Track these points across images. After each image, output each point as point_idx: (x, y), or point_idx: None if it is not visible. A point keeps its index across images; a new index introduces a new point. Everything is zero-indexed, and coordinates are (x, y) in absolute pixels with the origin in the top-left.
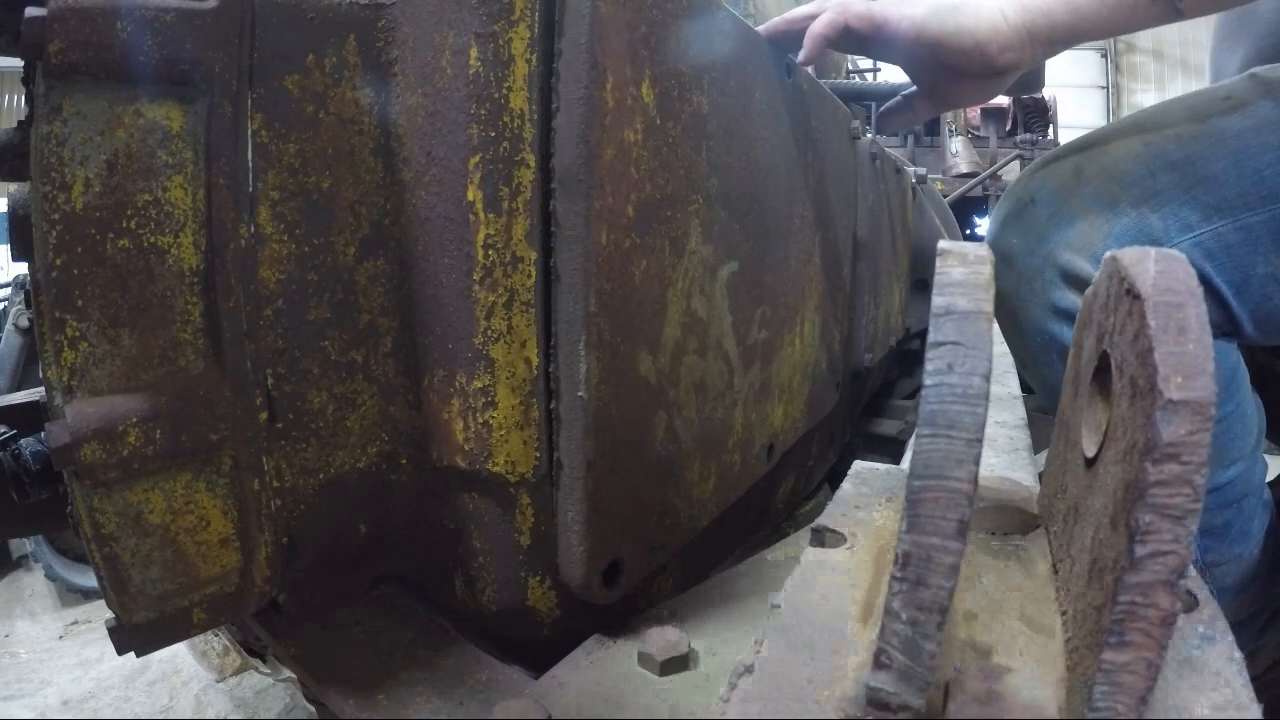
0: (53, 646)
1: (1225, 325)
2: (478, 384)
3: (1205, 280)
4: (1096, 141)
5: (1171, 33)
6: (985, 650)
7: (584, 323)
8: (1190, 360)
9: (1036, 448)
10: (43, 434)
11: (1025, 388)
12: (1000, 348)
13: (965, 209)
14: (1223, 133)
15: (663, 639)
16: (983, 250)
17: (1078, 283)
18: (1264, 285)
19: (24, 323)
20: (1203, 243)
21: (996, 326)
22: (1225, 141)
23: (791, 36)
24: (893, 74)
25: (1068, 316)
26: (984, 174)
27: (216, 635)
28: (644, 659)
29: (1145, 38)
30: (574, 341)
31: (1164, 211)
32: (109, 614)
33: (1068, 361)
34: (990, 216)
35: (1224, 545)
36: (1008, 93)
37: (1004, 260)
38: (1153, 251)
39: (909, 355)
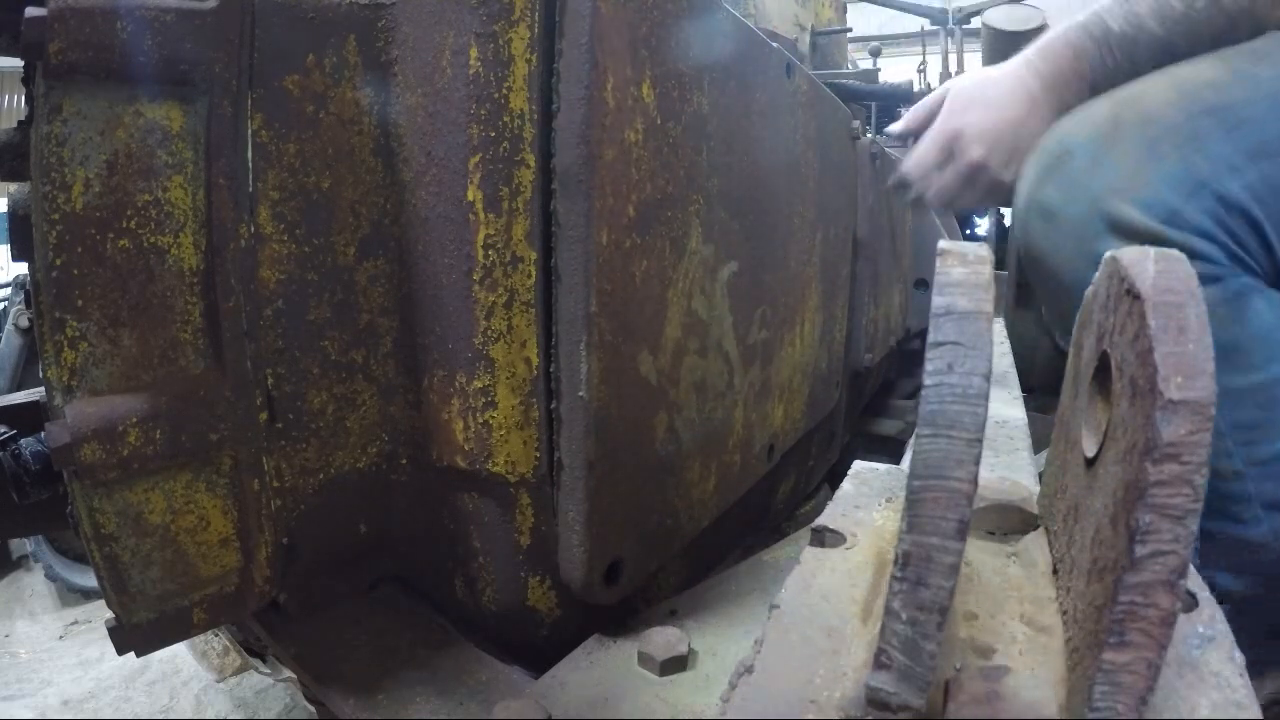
0: (53, 646)
1: (1274, 276)
2: (478, 384)
3: (1254, 224)
4: (1129, 93)
5: None
6: (985, 650)
7: (585, 323)
8: (1190, 360)
9: (1036, 448)
10: (43, 434)
11: (1025, 388)
12: (1001, 347)
13: (965, 209)
14: (1257, 78)
15: (663, 639)
16: (983, 250)
17: (1127, 232)
18: None
19: (24, 323)
20: (1251, 185)
21: (1000, 325)
22: (1260, 86)
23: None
24: (894, 74)
25: None
26: None
27: (216, 635)
28: (644, 659)
29: None
30: (575, 342)
31: (1208, 153)
32: (109, 614)
33: (1068, 361)
34: (1020, 175)
35: None
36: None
37: (1043, 216)
38: (1152, 251)
39: (909, 355)
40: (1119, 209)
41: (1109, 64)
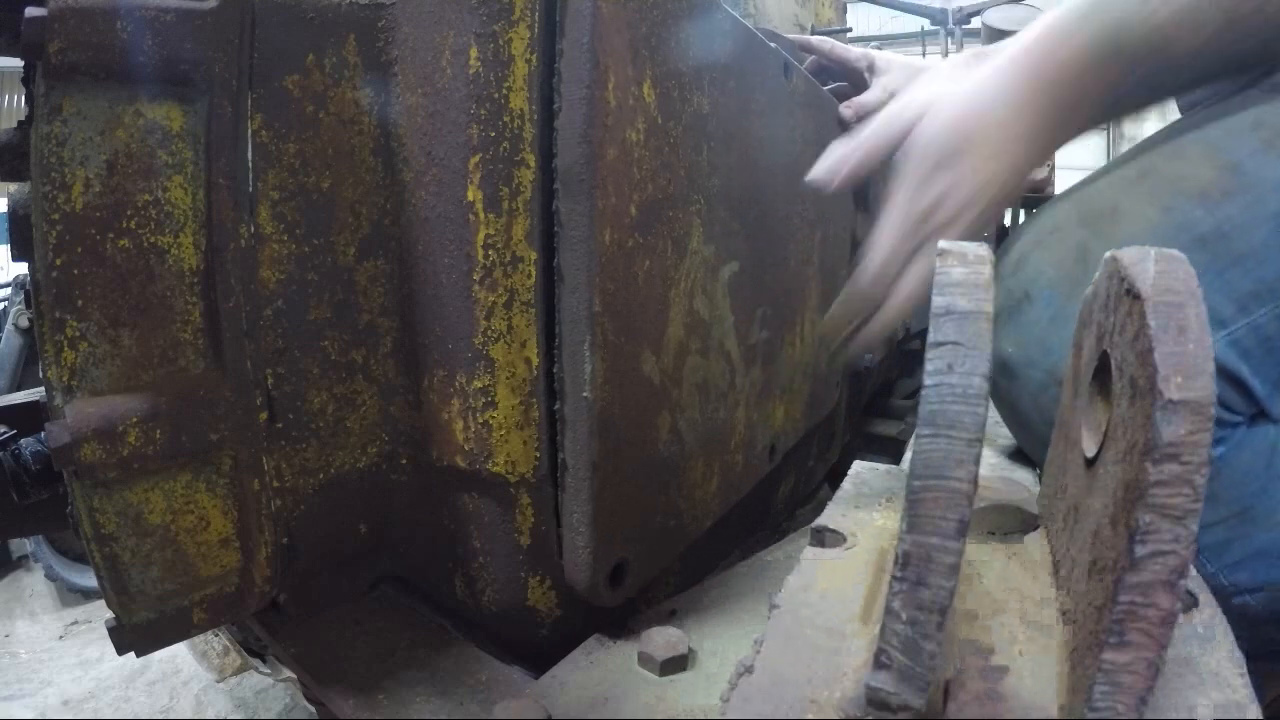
0: (53, 646)
1: (1250, 416)
2: (478, 384)
3: (1239, 380)
4: (1102, 207)
5: None
6: (985, 650)
7: (588, 323)
8: (1190, 360)
9: None
10: (43, 434)
11: None
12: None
13: None
14: (1260, 186)
15: (663, 639)
16: (983, 250)
17: None
18: None
19: (24, 323)
20: (1239, 340)
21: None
22: (1264, 200)
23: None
24: None
25: None
26: None
27: (216, 635)
28: (644, 659)
29: None
30: (578, 342)
31: None
32: (109, 614)
33: (1068, 361)
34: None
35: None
36: None
37: (1002, 371)
38: (1152, 251)
39: (909, 355)
40: None
41: (1129, 84)
